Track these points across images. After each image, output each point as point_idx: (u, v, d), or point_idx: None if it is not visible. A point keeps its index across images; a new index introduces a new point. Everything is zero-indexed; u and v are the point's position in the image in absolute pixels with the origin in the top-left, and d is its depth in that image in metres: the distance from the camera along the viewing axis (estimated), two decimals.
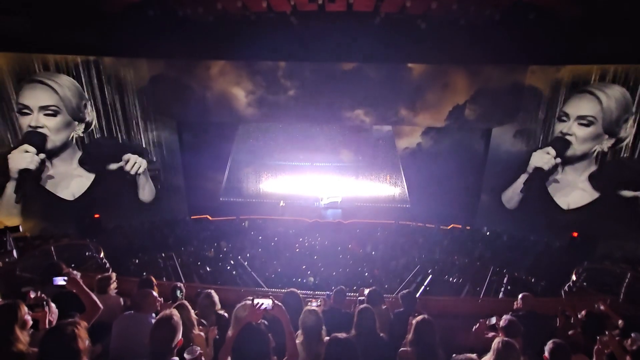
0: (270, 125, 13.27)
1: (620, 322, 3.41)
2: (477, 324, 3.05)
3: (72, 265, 5.96)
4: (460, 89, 9.96)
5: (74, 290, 2.80)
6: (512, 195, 10.61)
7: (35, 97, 8.92)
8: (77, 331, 1.91)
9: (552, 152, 9.60)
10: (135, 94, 9.99)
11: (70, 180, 9.91)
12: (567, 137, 9.33)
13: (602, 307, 3.76)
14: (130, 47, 9.15)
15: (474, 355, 2.06)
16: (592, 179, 9.44)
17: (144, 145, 10.60)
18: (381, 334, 2.92)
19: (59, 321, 2.39)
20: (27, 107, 8.88)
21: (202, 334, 2.74)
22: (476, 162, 11.23)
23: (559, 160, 9.58)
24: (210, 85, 10.23)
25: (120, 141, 10.28)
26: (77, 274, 3.38)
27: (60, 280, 2.95)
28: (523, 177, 10.24)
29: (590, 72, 8.91)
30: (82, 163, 9.89)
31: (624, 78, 8.61)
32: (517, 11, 7.95)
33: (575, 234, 9.36)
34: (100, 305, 2.78)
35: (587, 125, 9.02)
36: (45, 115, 9.02)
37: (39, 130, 8.99)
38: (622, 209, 9.12)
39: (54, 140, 9.30)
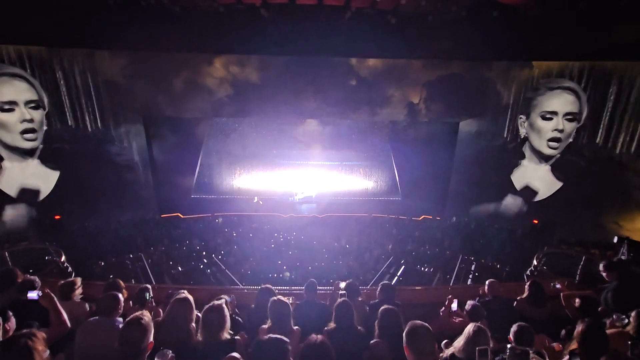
0: (242, 120, 13.00)
1: (577, 301, 3.66)
2: (443, 307, 3.22)
3: (30, 270, 5.60)
4: (424, 83, 10.19)
5: (46, 306, 2.64)
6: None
7: (17, 91, 8.54)
8: (33, 343, 1.76)
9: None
10: (97, 87, 9.41)
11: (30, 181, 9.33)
12: (558, 134, 9.76)
13: (558, 286, 4.01)
14: (89, 38, 8.58)
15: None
16: (554, 169, 10.02)
17: (115, 142, 10.12)
18: (359, 327, 2.96)
19: (13, 332, 2.23)
20: (12, 102, 8.46)
21: None
22: (445, 155, 11.58)
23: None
24: (176, 79, 9.80)
25: (89, 135, 9.76)
26: (36, 279, 3.20)
27: (34, 295, 2.77)
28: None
29: (552, 68, 9.45)
30: (45, 160, 9.37)
31: (584, 73, 9.24)
32: (481, 8, 8.21)
33: (536, 221, 9.95)
34: (69, 324, 2.64)
35: (572, 121, 9.64)
36: (31, 108, 8.73)
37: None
38: (578, 196, 9.81)
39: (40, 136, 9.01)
